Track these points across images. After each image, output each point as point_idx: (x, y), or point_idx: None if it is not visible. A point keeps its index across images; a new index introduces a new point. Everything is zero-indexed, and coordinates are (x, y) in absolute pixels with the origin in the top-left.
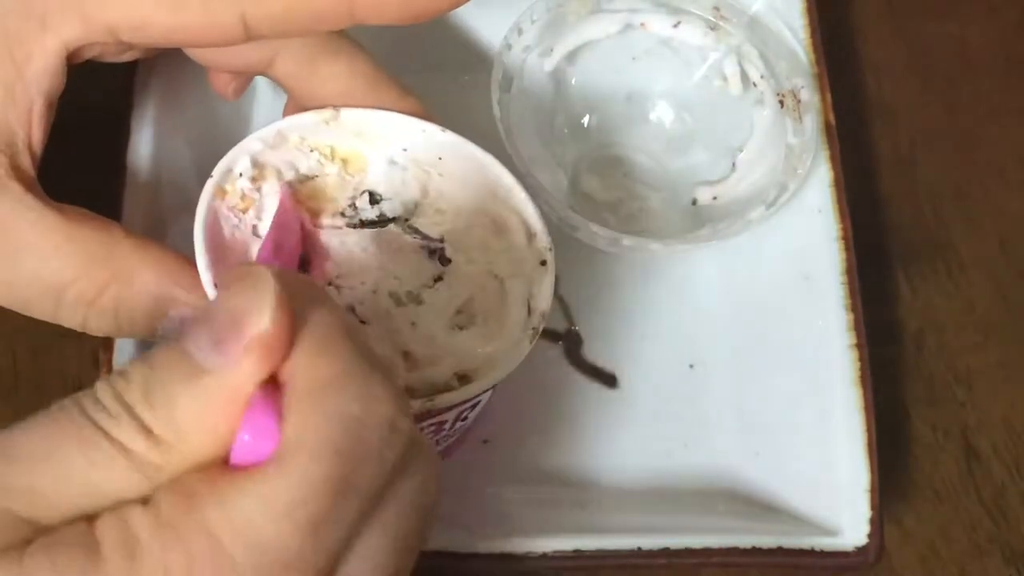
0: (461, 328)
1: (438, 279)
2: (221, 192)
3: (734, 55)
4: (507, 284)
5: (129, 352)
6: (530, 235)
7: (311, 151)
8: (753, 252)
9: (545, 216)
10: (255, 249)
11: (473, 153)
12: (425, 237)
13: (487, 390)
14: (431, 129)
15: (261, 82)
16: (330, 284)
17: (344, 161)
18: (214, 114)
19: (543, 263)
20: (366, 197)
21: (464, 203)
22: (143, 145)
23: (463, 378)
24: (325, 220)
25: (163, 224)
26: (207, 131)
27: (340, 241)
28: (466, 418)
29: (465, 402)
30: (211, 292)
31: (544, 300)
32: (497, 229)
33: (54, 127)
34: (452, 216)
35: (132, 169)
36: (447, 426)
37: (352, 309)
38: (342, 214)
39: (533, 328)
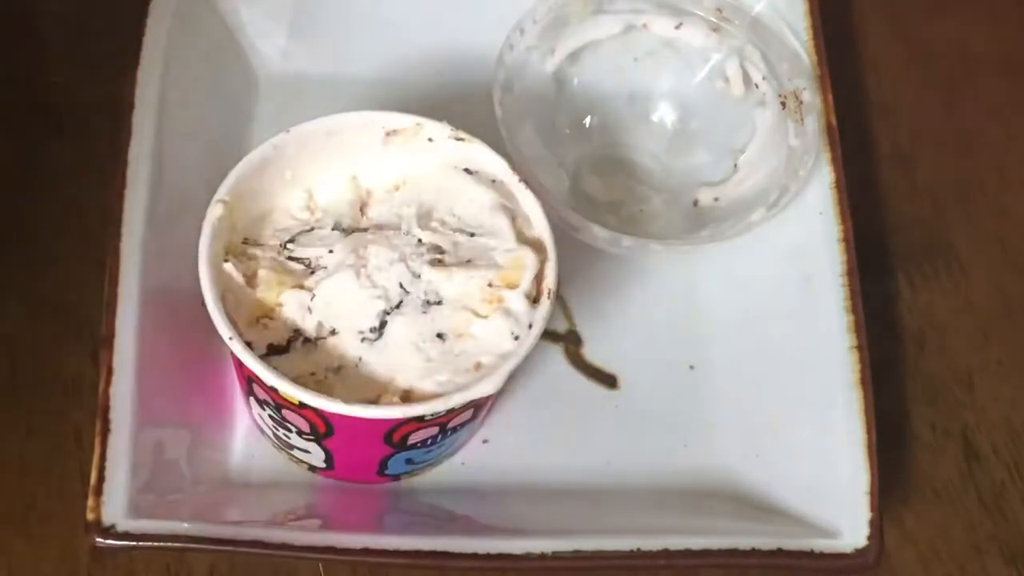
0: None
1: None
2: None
3: (736, 56)
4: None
5: (129, 351)
6: (527, 221)
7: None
8: (754, 253)
9: (545, 215)
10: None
11: (464, 143)
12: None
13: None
14: (424, 122)
15: (263, 82)
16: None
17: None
18: (215, 114)
19: (542, 247)
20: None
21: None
22: (143, 145)
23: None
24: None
25: (163, 225)
26: (208, 131)
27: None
28: (483, 410)
29: (484, 396)
30: (216, 316)
31: (548, 283)
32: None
33: (54, 127)
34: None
35: (132, 169)
36: (467, 421)
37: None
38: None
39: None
